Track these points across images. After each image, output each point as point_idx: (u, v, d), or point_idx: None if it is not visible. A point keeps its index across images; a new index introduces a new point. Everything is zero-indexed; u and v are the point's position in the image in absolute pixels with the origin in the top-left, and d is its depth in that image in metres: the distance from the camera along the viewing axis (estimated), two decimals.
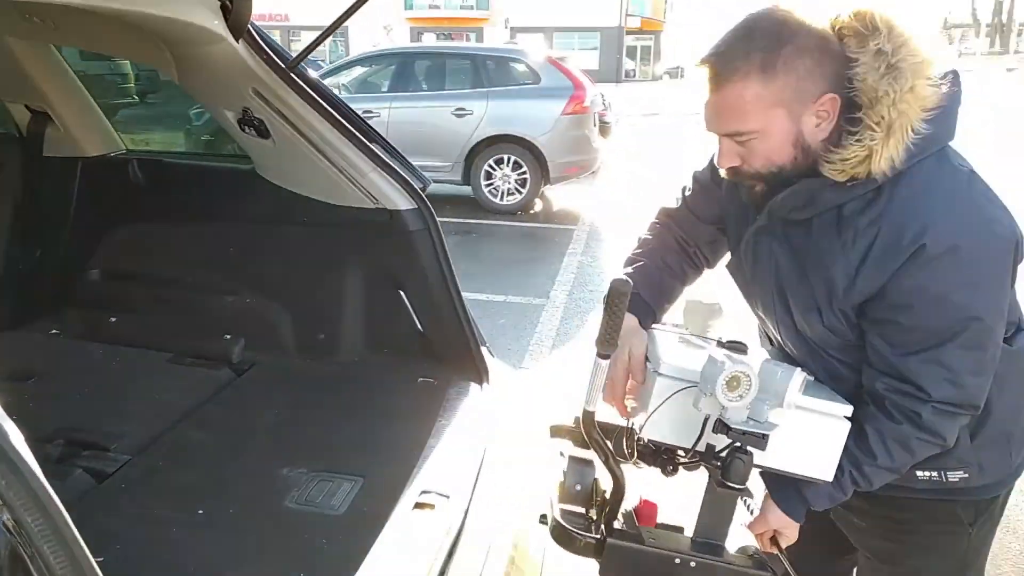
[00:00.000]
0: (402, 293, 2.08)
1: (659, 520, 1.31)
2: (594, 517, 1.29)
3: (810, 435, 1.20)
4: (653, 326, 1.43)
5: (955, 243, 1.10)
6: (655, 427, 1.23)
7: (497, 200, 7.68)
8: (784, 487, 1.28)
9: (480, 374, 2.02)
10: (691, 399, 1.19)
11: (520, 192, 7.64)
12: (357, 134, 1.92)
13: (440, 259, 2.03)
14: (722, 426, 1.15)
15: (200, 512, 1.46)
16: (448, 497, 1.50)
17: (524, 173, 7.57)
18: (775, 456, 1.18)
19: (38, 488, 0.69)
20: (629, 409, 1.35)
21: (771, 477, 1.29)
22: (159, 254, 2.32)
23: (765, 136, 1.15)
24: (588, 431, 1.24)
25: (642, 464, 1.32)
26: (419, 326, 2.09)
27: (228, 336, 2.10)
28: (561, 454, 1.40)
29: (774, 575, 1.21)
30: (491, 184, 7.67)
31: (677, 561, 1.19)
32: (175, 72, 1.92)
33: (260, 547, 1.36)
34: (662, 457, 1.29)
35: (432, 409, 1.85)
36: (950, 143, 1.17)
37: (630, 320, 1.36)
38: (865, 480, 1.23)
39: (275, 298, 2.15)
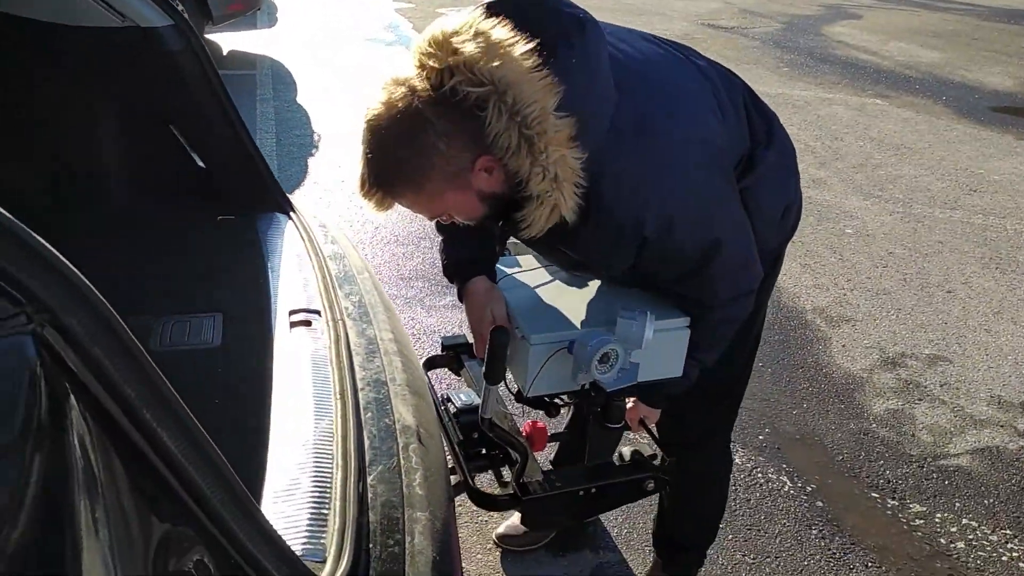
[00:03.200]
0: (172, 128, 1.84)
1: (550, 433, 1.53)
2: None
3: (661, 348, 1.35)
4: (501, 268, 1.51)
5: (668, 217, 1.17)
6: (538, 386, 1.35)
7: None
8: (646, 387, 1.44)
9: (282, 204, 1.92)
10: (561, 355, 1.31)
11: None
12: None
13: (212, 82, 1.82)
14: (598, 388, 1.31)
15: None
16: (319, 313, 1.47)
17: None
18: (640, 373, 1.35)
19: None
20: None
21: None
22: None
23: (454, 209, 1.18)
24: (489, 431, 1.41)
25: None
26: (199, 162, 1.89)
27: None
28: (447, 408, 1.52)
29: (652, 469, 1.47)
30: None
31: (581, 493, 1.42)
32: None
33: None
34: (545, 402, 1.43)
35: (249, 242, 1.74)
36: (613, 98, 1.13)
37: (483, 283, 1.44)
38: (702, 363, 1.42)
39: (13, 152, 1.77)
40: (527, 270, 1.53)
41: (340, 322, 1.45)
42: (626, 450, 1.53)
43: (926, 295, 3.40)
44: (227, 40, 7.60)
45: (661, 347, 1.36)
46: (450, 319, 3.08)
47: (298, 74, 6.61)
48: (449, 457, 1.50)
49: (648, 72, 1.22)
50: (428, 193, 1.13)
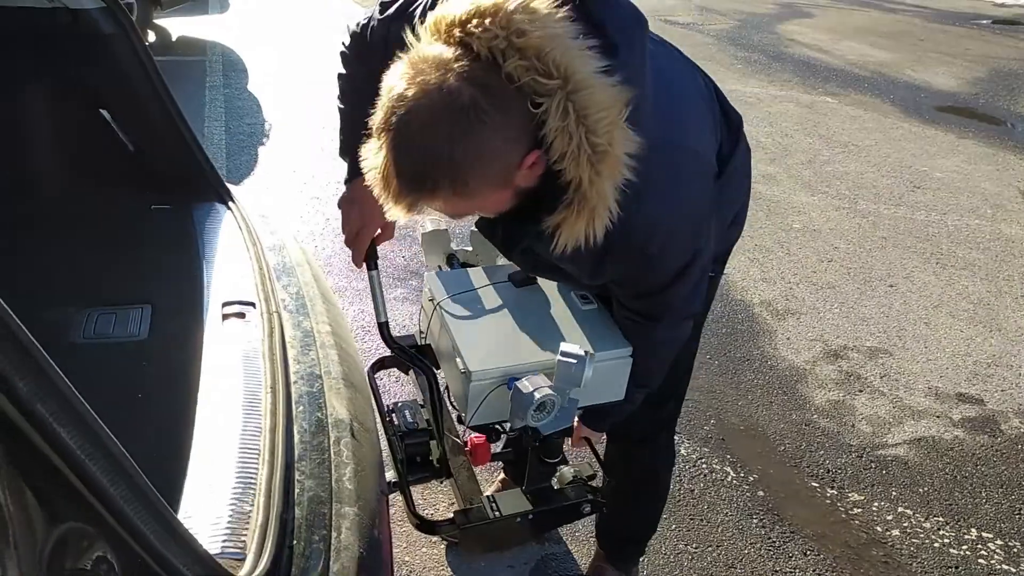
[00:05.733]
0: (105, 112, 1.79)
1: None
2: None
3: (605, 377, 1.35)
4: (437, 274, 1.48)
5: (671, 232, 1.14)
6: (479, 417, 1.35)
7: None
8: (592, 411, 1.45)
9: (220, 193, 1.87)
10: (502, 387, 1.30)
11: None
12: None
13: (146, 66, 1.77)
14: (535, 432, 1.32)
15: None
16: (253, 305, 1.44)
17: None
18: (581, 399, 1.35)
19: None
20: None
21: None
22: None
23: (486, 208, 1.08)
24: (388, 342, 1.40)
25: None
26: (132, 149, 1.84)
27: None
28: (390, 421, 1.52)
29: (591, 492, 1.48)
30: None
31: (519, 520, 1.43)
32: None
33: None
34: (488, 428, 1.43)
35: (184, 233, 1.69)
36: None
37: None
38: (645, 386, 1.41)
39: None
40: (473, 289, 1.51)
41: (275, 314, 1.42)
42: (566, 471, 1.53)
43: (869, 289, 3.47)
44: (177, 25, 7.42)
45: (604, 376, 1.36)
46: (402, 311, 3.05)
47: (250, 61, 6.48)
48: (392, 474, 1.50)
49: (672, 81, 1.17)
50: (471, 193, 0.97)
